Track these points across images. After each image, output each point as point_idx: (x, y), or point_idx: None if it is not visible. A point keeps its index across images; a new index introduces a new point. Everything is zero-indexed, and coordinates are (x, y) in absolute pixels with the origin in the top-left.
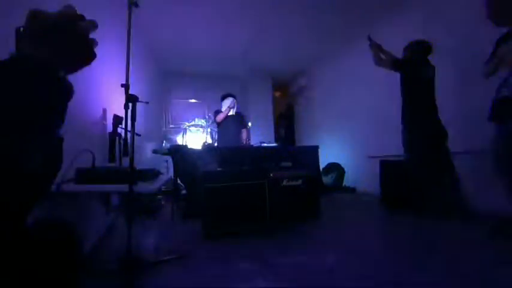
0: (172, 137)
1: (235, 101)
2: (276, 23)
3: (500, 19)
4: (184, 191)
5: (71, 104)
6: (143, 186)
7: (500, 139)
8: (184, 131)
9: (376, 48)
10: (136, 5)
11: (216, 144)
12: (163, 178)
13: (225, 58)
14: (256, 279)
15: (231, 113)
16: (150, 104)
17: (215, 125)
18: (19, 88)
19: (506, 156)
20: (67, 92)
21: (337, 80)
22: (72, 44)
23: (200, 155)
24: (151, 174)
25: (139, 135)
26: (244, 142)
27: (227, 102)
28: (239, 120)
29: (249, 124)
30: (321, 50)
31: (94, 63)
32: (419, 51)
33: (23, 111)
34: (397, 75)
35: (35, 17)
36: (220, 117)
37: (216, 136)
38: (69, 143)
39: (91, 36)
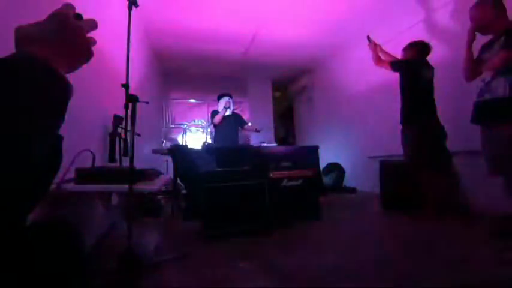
0: (172, 137)
1: (230, 100)
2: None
3: (484, 30)
4: (184, 191)
5: (71, 103)
6: (143, 186)
7: (486, 141)
8: (184, 131)
9: (375, 48)
10: (136, 5)
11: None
12: (163, 178)
13: (225, 58)
14: (256, 279)
15: (227, 113)
16: (150, 104)
17: (212, 126)
18: (18, 87)
19: (496, 157)
20: (66, 91)
21: (337, 80)
22: (71, 43)
23: (200, 155)
24: (152, 174)
25: (139, 135)
26: (250, 132)
27: (222, 103)
28: (235, 120)
29: (249, 124)
30: (322, 50)
31: (94, 62)
32: (418, 52)
33: (22, 110)
34: (397, 75)
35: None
36: (217, 120)
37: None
38: (69, 142)
39: (90, 35)
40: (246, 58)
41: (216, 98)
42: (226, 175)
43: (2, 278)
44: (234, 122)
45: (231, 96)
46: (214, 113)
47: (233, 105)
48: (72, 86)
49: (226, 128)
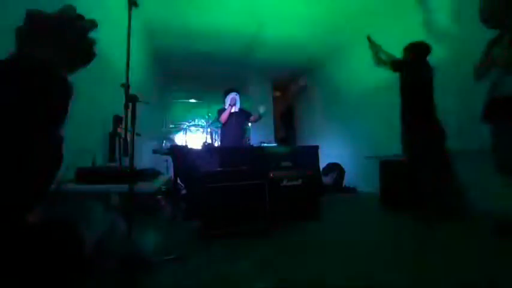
0: (172, 137)
1: (237, 96)
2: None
3: (492, 23)
4: (184, 191)
5: (72, 104)
6: (143, 186)
7: (497, 139)
8: (184, 131)
9: (376, 48)
10: (137, 5)
11: (217, 143)
12: (163, 178)
13: (225, 58)
14: (255, 279)
15: (233, 110)
16: (150, 104)
17: (218, 124)
18: (19, 87)
19: (507, 155)
20: (67, 91)
21: (337, 80)
22: (72, 44)
23: (200, 155)
24: (151, 174)
25: (140, 135)
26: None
27: (228, 100)
28: (242, 116)
29: (260, 111)
30: (321, 50)
31: (95, 62)
32: (418, 52)
33: (23, 110)
34: (397, 75)
35: (35, 16)
36: (223, 117)
37: (218, 135)
38: (69, 142)
39: (91, 35)
40: (247, 58)
41: (216, 97)
42: (226, 175)
43: (3, 277)
44: (240, 118)
45: (238, 92)
46: (220, 110)
47: (240, 100)
48: (73, 87)
49: (233, 126)
